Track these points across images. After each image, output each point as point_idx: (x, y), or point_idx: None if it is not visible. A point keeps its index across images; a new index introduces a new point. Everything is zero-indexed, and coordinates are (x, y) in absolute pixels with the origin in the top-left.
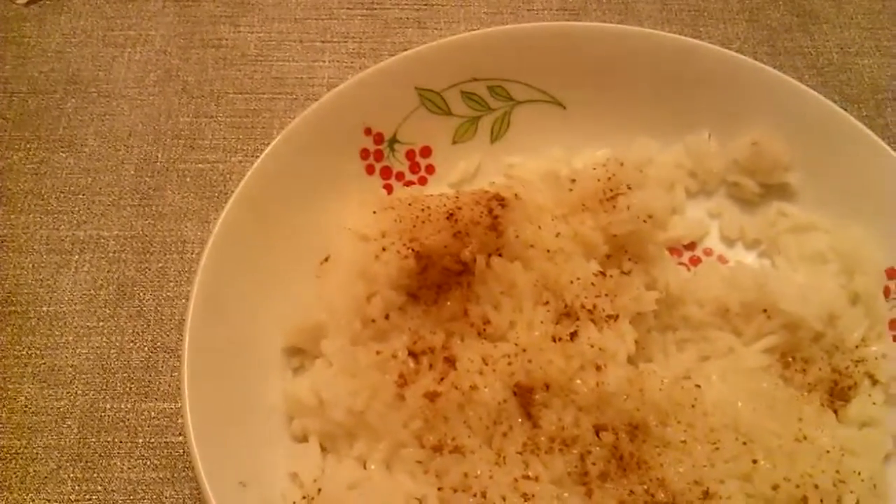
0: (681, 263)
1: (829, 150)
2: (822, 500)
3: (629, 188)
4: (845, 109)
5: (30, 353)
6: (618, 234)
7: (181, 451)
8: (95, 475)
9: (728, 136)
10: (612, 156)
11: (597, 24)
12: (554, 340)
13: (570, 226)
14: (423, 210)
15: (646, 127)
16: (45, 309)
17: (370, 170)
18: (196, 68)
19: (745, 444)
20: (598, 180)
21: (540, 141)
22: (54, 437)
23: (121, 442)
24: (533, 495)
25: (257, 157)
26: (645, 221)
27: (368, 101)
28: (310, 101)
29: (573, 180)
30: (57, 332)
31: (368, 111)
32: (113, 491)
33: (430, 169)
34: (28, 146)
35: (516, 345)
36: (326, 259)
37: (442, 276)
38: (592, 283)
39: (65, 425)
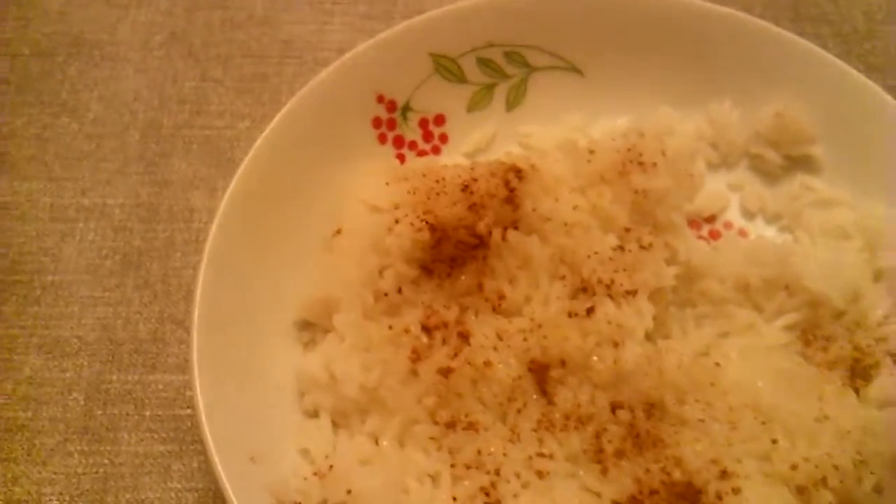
0: (700, 237)
1: (853, 122)
2: (841, 481)
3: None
4: (870, 79)
5: (34, 323)
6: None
7: (189, 424)
8: (102, 448)
9: (751, 105)
10: (632, 125)
11: None
12: (570, 316)
13: (588, 198)
14: (437, 181)
15: (666, 95)
16: (49, 278)
17: (382, 139)
18: (202, 30)
19: (764, 423)
20: (618, 151)
21: (557, 109)
22: (60, 409)
23: (128, 414)
24: (547, 473)
25: (265, 123)
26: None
27: (381, 68)
28: (319, 66)
29: (592, 151)
30: (62, 303)
31: (381, 78)
32: (120, 464)
33: (444, 138)
34: (31, 111)
35: (532, 320)
36: (338, 231)
37: (456, 250)
38: (610, 258)
39: (71, 397)
